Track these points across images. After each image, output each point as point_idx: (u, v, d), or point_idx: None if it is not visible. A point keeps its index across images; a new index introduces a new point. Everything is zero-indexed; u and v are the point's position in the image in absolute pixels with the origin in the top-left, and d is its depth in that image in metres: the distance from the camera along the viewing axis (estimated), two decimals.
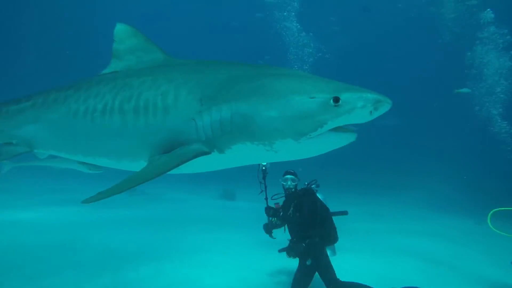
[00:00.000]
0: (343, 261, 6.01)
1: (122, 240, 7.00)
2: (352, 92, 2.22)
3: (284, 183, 4.76)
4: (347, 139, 2.34)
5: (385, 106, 2.26)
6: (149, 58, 3.06)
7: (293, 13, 20.66)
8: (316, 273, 4.53)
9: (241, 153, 2.43)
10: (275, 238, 4.81)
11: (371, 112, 2.22)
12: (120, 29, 3.08)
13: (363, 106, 2.19)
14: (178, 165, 2.35)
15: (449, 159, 21.24)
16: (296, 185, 4.74)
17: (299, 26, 20.52)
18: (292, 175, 4.76)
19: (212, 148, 2.43)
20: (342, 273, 4.59)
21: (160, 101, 2.57)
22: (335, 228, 4.70)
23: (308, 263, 4.42)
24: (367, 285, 4.36)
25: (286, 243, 4.66)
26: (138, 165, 2.69)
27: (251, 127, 2.28)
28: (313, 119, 2.20)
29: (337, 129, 2.26)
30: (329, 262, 4.52)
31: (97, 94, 2.87)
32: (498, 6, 17.32)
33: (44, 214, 9.08)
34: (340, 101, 2.18)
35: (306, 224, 4.50)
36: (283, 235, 4.78)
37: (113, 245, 6.62)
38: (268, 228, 4.78)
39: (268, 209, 4.76)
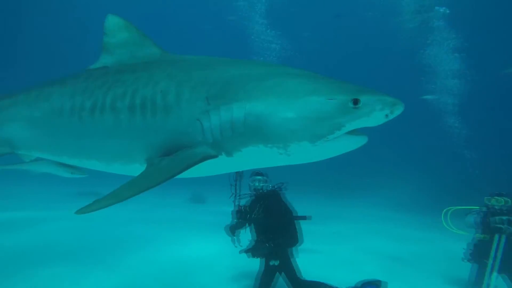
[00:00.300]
0: (308, 262, 6.17)
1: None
2: (371, 94, 2.15)
3: (252, 184, 4.79)
4: (359, 142, 2.26)
5: (400, 109, 2.20)
6: (143, 53, 2.83)
7: (266, 21, 20.99)
8: (279, 273, 4.63)
9: (251, 156, 2.27)
10: (238, 241, 4.76)
11: (387, 115, 2.16)
12: (111, 21, 2.84)
13: (381, 109, 2.13)
14: (184, 170, 2.14)
15: (413, 160, 22.19)
16: (263, 187, 4.79)
17: (273, 33, 20.89)
18: (261, 175, 4.80)
19: (220, 151, 2.26)
20: (307, 273, 4.71)
21: (160, 99, 2.35)
22: (299, 231, 4.77)
23: (272, 264, 4.50)
24: (330, 284, 4.52)
25: (248, 245, 4.70)
26: (131, 168, 2.51)
27: (266, 129, 2.13)
28: (331, 121, 2.10)
29: (350, 132, 2.19)
30: (292, 263, 4.63)
31: (84, 91, 2.64)
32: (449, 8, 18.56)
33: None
34: (360, 103, 2.10)
35: (272, 225, 4.58)
36: (244, 236, 4.82)
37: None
38: (232, 230, 4.77)
39: (237, 212, 4.77)
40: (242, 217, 4.74)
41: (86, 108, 2.57)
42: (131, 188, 2.09)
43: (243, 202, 4.85)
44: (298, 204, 5.08)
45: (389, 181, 19.55)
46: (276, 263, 4.51)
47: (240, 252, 4.67)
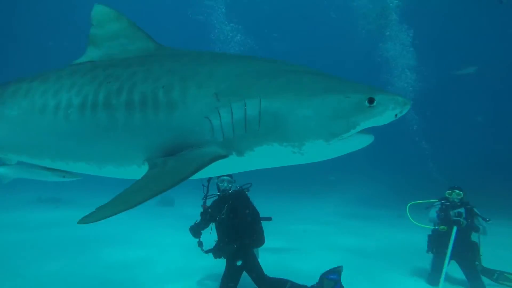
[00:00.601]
0: (275, 260, 6.30)
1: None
2: (385, 93, 2.14)
3: (220, 184, 4.75)
4: (367, 141, 2.25)
5: (407, 109, 2.21)
6: (135, 47, 2.62)
7: (239, 26, 20.98)
8: (244, 273, 4.66)
9: (263, 156, 2.17)
10: (201, 243, 4.67)
11: (396, 114, 2.17)
12: (99, 11, 2.61)
13: (393, 108, 2.13)
14: (196, 172, 2.00)
15: (376, 157, 22.99)
16: (231, 187, 4.78)
17: (242, 37, 20.91)
18: (229, 176, 4.77)
19: (230, 150, 2.14)
20: (274, 271, 4.76)
21: (163, 95, 2.18)
22: (263, 231, 4.81)
23: (238, 263, 4.52)
24: (294, 281, 4.58)
25: (213, 245, 4.70)
26: (127, 170, 2.35)
27: (283, 127, 2.05)
28: (347, 120, 2.07)
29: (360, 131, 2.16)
30: (257, 261, 4.68)
31: (71, 87, 2.41)
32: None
33: None
34: (375, 102, 2.08)
35: (238, 226, 4.59)
36: (209, 237, 4.78)
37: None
38: (194, 230, 4.67)
39: (204, 213, 4.72)
40: (210, 217, 4.70)
41: (74, 106, 2.33)
42: (141, 192, 1.92)
43: (209, 202, 4.83)
44: (266, 204, 5.12)
45: (354, 178, 20.13)
46: (240, 263, 4.53)
47: (206, 252, 4.63)
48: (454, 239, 5.51)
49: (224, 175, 4.73)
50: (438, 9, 23.31)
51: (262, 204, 4.99)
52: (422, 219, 6.05)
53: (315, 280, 4.70)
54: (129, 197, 1.89)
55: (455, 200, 5.84)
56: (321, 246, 8.04)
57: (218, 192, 4.79)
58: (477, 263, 5.66)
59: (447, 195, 5.93)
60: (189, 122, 2.13)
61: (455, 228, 5.54)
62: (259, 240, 4.71)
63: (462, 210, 5.69)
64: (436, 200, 6.07)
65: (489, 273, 5.73)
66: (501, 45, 23.69)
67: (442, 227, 5.71)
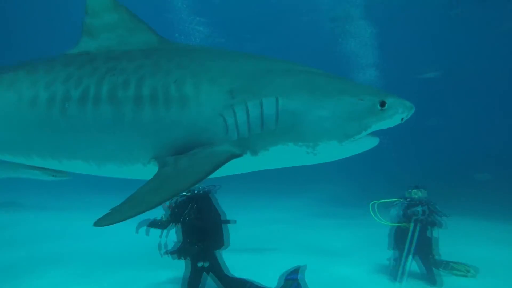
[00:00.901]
0: (240, 261, 6.25)
1: None
2: (395, 97, 2.19)
3: None
4: (374, 142, 2.29)
5: (412, 113, 2.26)
6: (136, 39, 2.44)
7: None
8: (207, 274, 4.61)
9: (277, 155, 2.13)
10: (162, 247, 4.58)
11: (403, 118, 2.22)
12: None
13: (402, 112, 2.19)
14: (212, 171, 1.94)
15: (345, 159, 23.44)
16: (197, 188, 4.70)
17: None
18: None
19: (245, 149, 2.08)
20: (236, 272, 4.72)
21: (174, 90, 2.08)
22: (226, 233, 4.76)
23: (200, 265, 4.47)
24: (253, 281, 4.55)
25: (173, 246, 4.60)
26: (130, 169, 2.22)
27: (300, 127, 2.04)
28: (360, 122, 2.10)
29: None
30: (219, 263, 4.62)
31: (68, 79, 2.23)
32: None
33: None
34: (386, 106, 2.13)
35: (202, 227, 4.54)
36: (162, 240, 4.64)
37: None
38: (156, 226, 4.60)
39: (170, 214, 4.63)
40: (174, 218, 4.63)
41: (72, 99, 2.16)
42: (158, 193, 1.84)
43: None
44: (235, 204, 5.10)
45: (323, 178, 20.51)
46: (205, 264, 4.49)
47: (167, 253, 4.54)
48: (414, 235, 5.79)
49: None
50: (402, 11, 24.05)
51: (231, 205, 4.97)
52: (385, 217, 6.28)
53: (276, 280, 4.69)
54: (146, 198, 1.82)
55: (416, 198, 6.15)
56: (287, 246, 8.11)
57: (185, 193, 4.70)
58: (431, 256, 5.99)
59: (409, 194, 6.24)
60: (202, 119, 2.05)
61: (412, 225, 5.82)
62: (221, 242, 4.66)
63: (422, 208, 5.99)
64: (397, 199, 6.36)
65: (440, 264, 6.09)
66: (464, 51, 24.64)
67: (403, 224, 6.00)
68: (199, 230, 4.55)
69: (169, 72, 2.15)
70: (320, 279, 5.70)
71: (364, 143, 2.22)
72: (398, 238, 6.05)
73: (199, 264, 4.47)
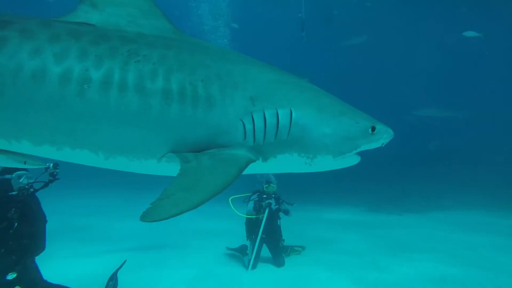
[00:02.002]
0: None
1: None
2: (382, 124, 2.49)
3: (14, 182, 3.69)
4: (357, 160, 2.56)
5: (390, 139, 2.57)
6: (150, 24, 2.24)
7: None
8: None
9: (281, 163, 2.31)
10: None
11: (383, 143, 2.53)
12: None
13: (385, 138, 2.50)
14: (238, 175, 2.02)
15: None
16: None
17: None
18: (26, 170, 3.71)
19: (258, 155, 2.20)
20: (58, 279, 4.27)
21: (202, 89, 2.07)
22: (44, 237, 3.94)
23: (10, 277, 3.61)
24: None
25: None
26: (141, 164, 2.11)
27: (307, 140, 2.24)
28: (353, 142, 2.37)
29: None
30: (34, 268, 3.99)
31: (83, 55, 1.94)
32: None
33: None
34: (375, 131, 2.42)
35: (25, 232, 3.72)
36: None
37: None
38: None
39: None
40: None
41: (94, 81, 1.91)
42: (201, 191, 1.89)
43: None
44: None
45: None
46: (14, 275, 3.64)
47: None
48: (265, 225, 6.61)
49: (21, 169, 3.68)
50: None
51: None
52: (243, 210, 7.00)
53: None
54: (186, 197, 1.86)
55: (270, 191, 7.01)
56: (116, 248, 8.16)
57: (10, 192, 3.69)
58: (280, 242, 6.95)
59: (263, 189, 7.06)
60: (225, 121, 2.10)
61: (263, 216, 6.66)
62: (40, 247, 3.89)
63: (272, 200, 6.87)
64: (251, 194, 7.14)
65: (286, 249, 7.11)
66: (313, 63, 27.73)
67: (254, 216, 6.77)
68: (23, 236, 3.71)
69: (195, 69, 2.12)
70: (172, 270, 5.93)
71: (350, 160, 2.51)
72: (252, 229, 6.81)
73: (8, 277, 3.61)
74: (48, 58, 1.91)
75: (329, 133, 2.29)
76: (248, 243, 6.92)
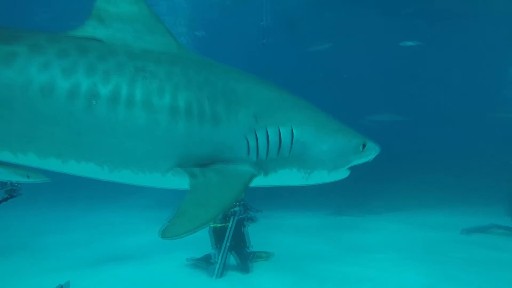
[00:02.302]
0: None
1: None
2: (371, 141, 2.62)
3: None
4: (346, 174, 2.68)
5: (377, 154, 2.70)
6: (154, 40, 2.27)
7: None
8: None
9: (280, 177, 2.39)
10: None
11: (370, 159, 2.66)
12: None
13: (373, 154, 2.65)
14: (243, 191, 2.14)
15: None
16: None
17: None
18: None
19: (260, 171, 2.28)
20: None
21: (208, 107, 2.14)
22: None
23: None
24: None
25: None
26: (146, 177, 2.16)
27: (306, 156, 2.34)
28: (346, 158, 2.52)
29: None
30: None
31: (91, 70, 1.98)
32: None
33: None
34: (365, 148, 2.56)
35: None
36: None
37: None
38: None
39: None
40: None
41: (101, 96, 1.96)
42: (215, 206, 1.99)
43: None
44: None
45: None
46: None
47: None
48: (230, 233, 6.56)
49: None
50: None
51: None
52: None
53: None
54: (199, 213, 1.93)
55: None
56: (100, 253, 7.80)
57: None
58: (245, 249, 6.94)
59: None
60: (230, 138, 2.18)
61: (229, 224, 6.62)
62: None
63: (237, 208, 6.81)
64: None
65: (251, 255, 7.08)
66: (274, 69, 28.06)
67: (219, 224, 6.68)
68: None
69: (201, 86, 2.18)
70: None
71: (341, 174, 2.65)
72: (218, 237, 6.71)
73: None
74: (56, 73, 1.95)
75: (326, 150, 2.43)
76: (213, 252, 6.80)
